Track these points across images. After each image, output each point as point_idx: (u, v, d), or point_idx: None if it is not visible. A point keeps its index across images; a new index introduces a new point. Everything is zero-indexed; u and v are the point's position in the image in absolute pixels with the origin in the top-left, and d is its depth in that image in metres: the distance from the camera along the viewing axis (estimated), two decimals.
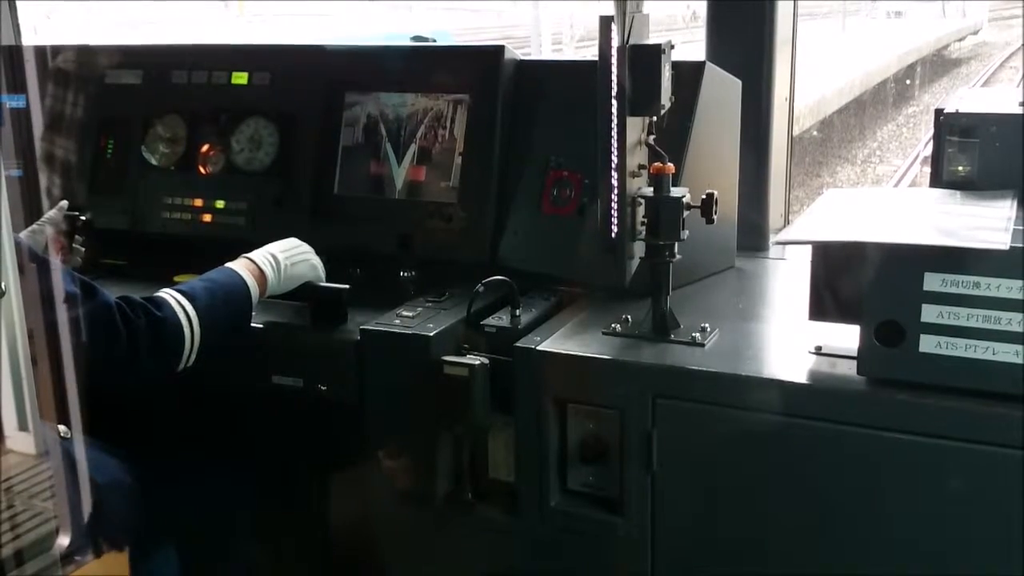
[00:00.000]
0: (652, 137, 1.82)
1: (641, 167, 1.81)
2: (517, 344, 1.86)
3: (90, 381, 1.77)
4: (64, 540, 1.24)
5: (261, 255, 2.05)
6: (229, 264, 2.02)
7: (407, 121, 2.38)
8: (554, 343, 1.85)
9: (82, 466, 1.84)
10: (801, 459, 1.66)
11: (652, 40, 1.77)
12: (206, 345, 1.88)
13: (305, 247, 2.13)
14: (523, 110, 2.26)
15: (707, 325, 1.84)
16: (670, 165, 1.79)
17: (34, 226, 2.23)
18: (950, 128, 1.86)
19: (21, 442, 1.27)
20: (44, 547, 1.24)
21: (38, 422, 1.24)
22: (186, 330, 1.85)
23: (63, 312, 1.67)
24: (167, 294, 1.88)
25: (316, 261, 2.13)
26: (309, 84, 2.47)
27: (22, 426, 1.25)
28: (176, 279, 2.30)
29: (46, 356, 1.27)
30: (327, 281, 2.13)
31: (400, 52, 2.52)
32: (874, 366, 1.60)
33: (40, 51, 2.78)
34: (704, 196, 1.81)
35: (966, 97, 2.02)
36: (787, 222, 2.62)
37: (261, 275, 2.02)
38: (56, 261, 1.78)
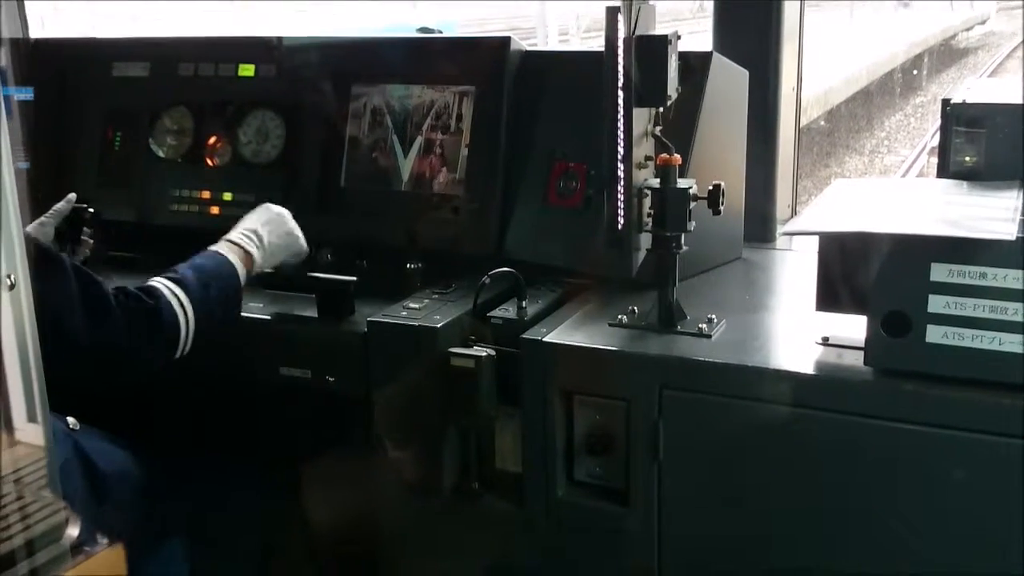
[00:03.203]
0: (659, 128, 1.82)
1: (648, 158, 1.81)
2: (524, 336, 1.86)
3: (92, 374, 1.78)
4: (73, 531, 1.25)
5: (241, 235, 2.04)
6: (213, 248, 2.01)
7: (413, 113, 2.38)
8: (561, 335, 1.85)
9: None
10: (808, 450, 1.66)
11: (659, 31, 1.77)
12: (200, 331, 1.88)
13: (279, 211, 2.13)
14: (529, 101, 2.26)
15: (714, 316, 1.84)
16: (677, 156, 1.79)
17: (42, 218, 2.24)
18: (957, 118, 1.86)
19: (31, 434, 1.28)
20: (54, 538, 1.25)
21: (47, 414, 1.24)
22: (180, 317, 1.85)
23: (66, 310, 1.68)
24: (158, 283, 1.88)
25: (294, 226, 2.12)
26: (315, 76, 2.47)
27: (31, 418, 1.25)
28: None
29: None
30: (333, 273, 2.14)
31: (406, 44, 2.52)
32: (881, 357, 1.59)
33: (47, 44, 2.78)
34: (711, 187, 1.81)
35: (973, 87, 2.01)
36: (794, 213, 2.62)
37: (246, 255, 2.02)
38: (62, 255, 1.78)
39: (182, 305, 1.85)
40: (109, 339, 1.75)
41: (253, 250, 2.03)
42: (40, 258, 1.65)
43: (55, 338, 1.60)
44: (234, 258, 1.99)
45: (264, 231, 2.07)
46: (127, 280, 1.97)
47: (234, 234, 2.05)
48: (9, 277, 1.12)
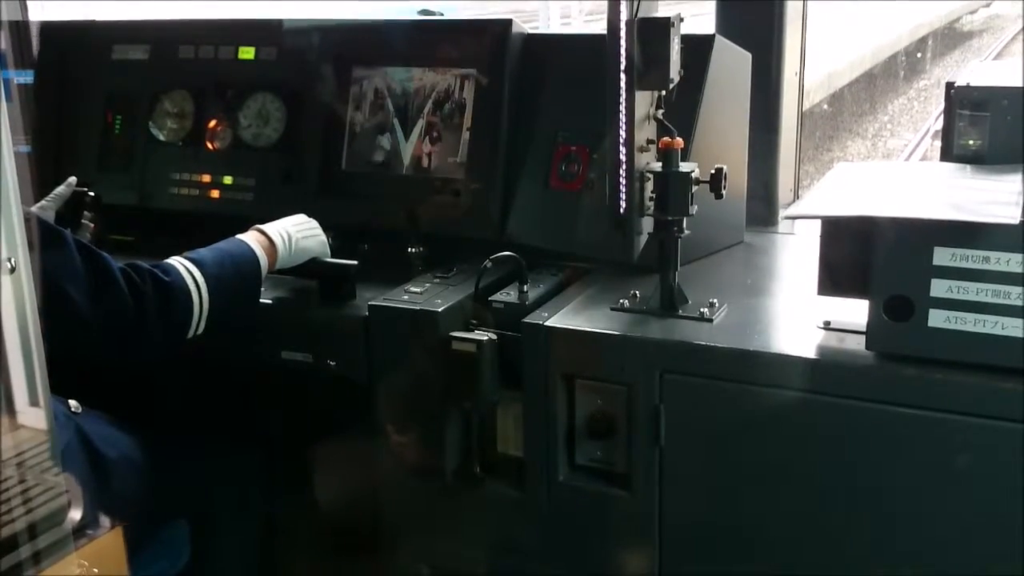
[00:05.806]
0: (661, 111, 1.81)
1: (650, 142, 1.80)
2: (525, 320, 1.86)
3: (99, 351, 1.77)
4: (75, 515, 1.25)
5: (273, 227, 2.06)
6: (239, 235, 2.02)
7: (414, 96, 2.37)
8: (562, 319, 1.85)
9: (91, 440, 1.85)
10: (809, 434, 1.67)
11: (661, 13, 1.76)
12: (215, 313, 1.88)
13: (315, 223, 2.14)
14: (531, 84, 2.25)
15: (715, 300, 1.84)
16: (679, 140, 1.78)
17: (43, 202, 2.24)
18: (961, 102, 1.85)
19: (32, 417, 1.28)
20: (56, 521, 1.25)
21: (49, 397, 1.24)
22: (194, 296, 1.85)
23: (69, 281, 1.67)
24: (175, 260, 1.88)
25: (324, 238, 2.14)
26: (316, 59, 2.46)
27: (33, 401, 1.25)
28: None
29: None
30: (335, 257, 2.14)
31: (407, 26, 2.51)
32: (883, 341, 1.59)
33: (47, 26, 2.77)
34: (713, 171, 1.80)
35: (977, 70, 2.00)
36: (797, 197, 2.61)
37: (271, 246, 2.02)
38: (64, 229, 1.77)
39: (196, 284, 1.85)
40: (114, 313, 1.74)
41: (279, 243, 2.04)
42: (42, 233, 1.64)
43: (59, 313, 1.61)
44: (257, 247, 1.99)
45: (294, 230, 2.08)
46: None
47: (266, 226, 2.06)
48: (10, 260, 1.12)
